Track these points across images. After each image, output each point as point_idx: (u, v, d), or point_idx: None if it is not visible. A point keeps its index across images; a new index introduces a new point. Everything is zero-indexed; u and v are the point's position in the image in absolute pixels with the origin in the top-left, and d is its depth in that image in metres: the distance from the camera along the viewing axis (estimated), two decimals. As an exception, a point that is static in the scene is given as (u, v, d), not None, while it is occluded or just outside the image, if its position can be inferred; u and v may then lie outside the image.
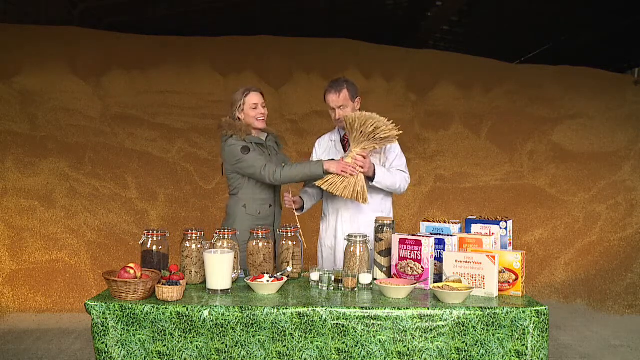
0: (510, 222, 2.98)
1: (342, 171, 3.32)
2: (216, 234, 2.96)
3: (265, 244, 3.03)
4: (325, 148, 3.71)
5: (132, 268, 2.61)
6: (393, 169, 3.55)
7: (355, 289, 2.80)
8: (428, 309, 2.49)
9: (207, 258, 2.70)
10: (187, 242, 2.92)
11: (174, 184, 6.86)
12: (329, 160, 3.41)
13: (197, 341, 2.46)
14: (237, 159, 3.47)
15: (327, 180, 3.37)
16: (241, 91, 3.57)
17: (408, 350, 2.45)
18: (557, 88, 8.04)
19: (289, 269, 3.01)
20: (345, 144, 3.63)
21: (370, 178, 3.41)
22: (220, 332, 2.46)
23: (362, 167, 3.34)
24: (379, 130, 3.31)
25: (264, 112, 3.57)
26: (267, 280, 2.76)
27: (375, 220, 3.09)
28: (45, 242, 6.01)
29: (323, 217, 3.71)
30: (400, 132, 3.40)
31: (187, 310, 2.47)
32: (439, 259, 2.88)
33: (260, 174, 3.40)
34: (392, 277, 2.91)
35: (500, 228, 2.96)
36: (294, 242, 3.09)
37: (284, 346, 2.46)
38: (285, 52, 8.01)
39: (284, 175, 3.38)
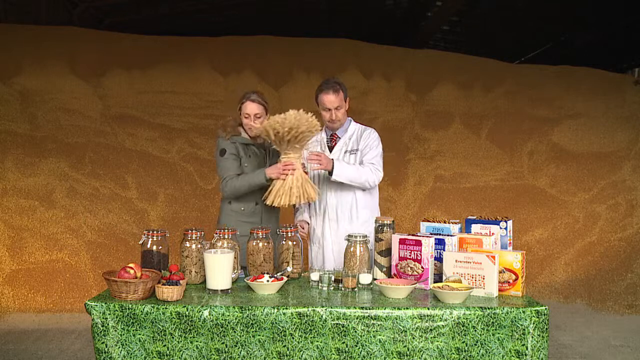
0: (510, 222, 2.98)
1: (281, 173, 3.30)
2: (216, 234, 2.96)
3: (265, 244, 3.03)
4: (311, 148, 3.72)
5: (132, 268, 2.61)
6: (363, 162, 3.55)
7: (355, 289, 2.80)
8: (428, 309, 2.49)
9: (207, 258, 2.70)
10: (187, 242, 2.92)
11: (174, 184, 6.86)
12: (270, 166, 3.40)
13: (197, 341, 2.46)
14: (216, 160, 3.54)
15: (270, 192, 3.32)
16: (241, 96, 3.58)
17: (408, 350, 2.45)
18: (557, 88, 8.03)
19: (289, 269, 3.01)
20: (332, 144, 3.65)
21: (329, 172, 3.43)
22: (220, 332, 2.46)
23: (320, 164, 3.36)
24: (296, 140, 3.27)
25: (254, 125, 3.51)
26: (267, 280, 2.76)
27: (375, 220, 3.09)
28: (45, 242, 6.00)
29: (311, 216, 3.72)
30: (316, 129, 3.32)
31: (187, 310, 2.47)
32: (439, 259, 2.88)
33: (220, 184, 3.49)
34: (392, 277, 2.91)
35: (500, 228, 2.96)
36: (294, 242, 3.09)
37: (284, 346, 2.46)
38: (285, 52, 8.00)
39: (230, 188, 3.42)
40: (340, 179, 3.43)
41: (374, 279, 2.93)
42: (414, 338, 2.46)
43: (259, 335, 2.46)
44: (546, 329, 2.50)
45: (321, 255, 3.61)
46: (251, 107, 3.53)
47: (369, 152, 3.57)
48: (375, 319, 2.47)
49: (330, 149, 3.65)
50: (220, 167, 3.50)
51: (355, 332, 2.46)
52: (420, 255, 2.81)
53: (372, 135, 3.62)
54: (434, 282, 2.82)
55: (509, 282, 2.71)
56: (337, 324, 2.47)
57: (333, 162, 3.41)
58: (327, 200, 3.59)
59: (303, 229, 3.67)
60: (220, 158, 3.49)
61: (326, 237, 3.58)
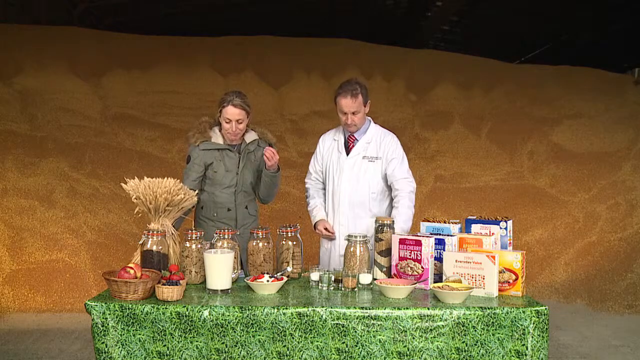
0: (510, 222, 2.97)
1: None
2: (216, 234, 2.96)
3: (265, 244, 3.02)
4: (328, 147, 3.66)
5: (132, 268, 2.61)
6: (391, 175, 3.48)
7: (355, 289, 2.80)
8: (428, 309, 2.49)
9: (207, 258, 2.70)
10: (187, 242, 2.92)
11: (174, 184, 6.86)
12: None
13: (197, 341, 2.46)
14: None
15: None
16: (222, 99, 3.42)
17: (408, 350, 2.45)
18: (557, 88, 8.03)
19: (289, 269, 3.01)
20: (349, 146, 3.57)
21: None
22: (220, 332, 2.46)
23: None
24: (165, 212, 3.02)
25: (234, 131, 3.40)
26: (267, 280, 2.76)
27: (375, 220, 3.09)
28: (45, 242, 6.00)
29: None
30: (195, 199, 3.10)
31: (187, 310, 2.47)
32: (439, 259, 2.88)
33: None
34: (392, 277, 2.91)
35: (500, 228, 2.96)
36: (294, 242, 3.08)
37: (284, 346, 2.46)
38: (285, 52, 8.01)
39: None
40: (410, 226, 3.41)
41: (374, 279, 2.93)
42: (414, 338, 2.46)
43: (259, 335, 2.46)
44: (546, 329, 2.50)
45: (327, 258, 3.58)
46: (232, 112, 3.37)
47: (397, 168, 3.48)
48: (375, 319, 2.47)
49: (347, 151, 3.56)
50: (184, 173, 3.50)
51: (355, 332, 2.46)
52: (420, 255, 2.81)
53: (394, 144, 3.54)
54: (434, 282, 2.81)
55: (509, 282, 2.71)
56: (337, 324, 2.47)
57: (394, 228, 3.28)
58: (339, 207, 3.53)
59: (327, 230, 3.54)
60: (186, 165, 3.50)
61: (334, 242, 3.57)
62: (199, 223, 3.55)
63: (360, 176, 3.51)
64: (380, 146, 3.53)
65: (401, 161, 3.53)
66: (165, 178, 3.06)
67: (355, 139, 3.56)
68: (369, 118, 3.61)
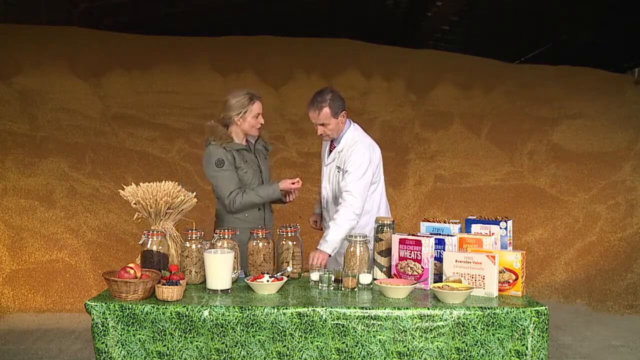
0: (510, 222, 2.97)
1: (294, 187, 3.31)
2: (216, 234, 2.95)
3: (265, 244, 3.02)
4: (323, 149, 3.69)
5: (132, 268, 2.61)
6: (343, 193, 3.33)
7: (355, 289, 2.80)
8: (428, 309, 2.49)
9: (207, 258, 2.70)
10: (187, 242, 2.92)
11: (174, 184, 6.87)
12: (281, 181, 3.36)
13: (197, 341, 2.46)
14: (211, 171, 3.38)
15: None
16: (247, 97, 3.38)
17: (408, 350, 2.45)
18: (557, 88, 8.03)
19: (289, 269, 3.01)
20: (328, 156, 3.56)
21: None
22: (220, 332, 2.46)
23: (320, 262, 3.13)
24: (178, 207, 3.04)
25: (263, 122, 3.47)
26: (267, 280, 2.76)
27: (375, 220, 3.08)
28: (45, 242, 6.00)
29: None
30: (195, 200, 3.09)
31: (187, 310, 2.47)
32: (439, 259, 2.88)
33: (224, 200, 3.36)
34: (392, 277, 2.91)
35: (500, 228, 2.95)
36: (294, 242, 3.08)
37: (284, 346, 2.46)
38: (285, 52, 8.01)
39: (240, 205, 3.33)
40: (339, 245, 3.25)
41: (374, 279, 2.93)
42: (414, 338, 2.46)
43: (259, 335, 2.46)
44: (546, 329, 2.50)
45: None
46: (260, 105, 3.44)
47: (349, 179, 3.32)
48: (375, 319, 2.47)
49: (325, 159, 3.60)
50: (221, 179, 3.36)
51: (355, 332, 2.46)
52: (420, 255, 2.81)
53: (355, 156, 3.35)
54: (434, 282, 2.81)
55: (509, 282, 2.71)
56: (337, 324, 2.47)
57: (325, 250, 3.22)
58: (328, 211, 3.55)
59: (316, 223, 3.70)
60: (219, 169, 3.35)
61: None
62: (229, 224, 3.35)
63: (334, 185, 3.49)
64: (345, 156, 3.41)
65: (354, 174, 3.33)
66: (163, 181, 3.07)
67: (335, 146, 3.51)
68: (353, 123, 3.52)
